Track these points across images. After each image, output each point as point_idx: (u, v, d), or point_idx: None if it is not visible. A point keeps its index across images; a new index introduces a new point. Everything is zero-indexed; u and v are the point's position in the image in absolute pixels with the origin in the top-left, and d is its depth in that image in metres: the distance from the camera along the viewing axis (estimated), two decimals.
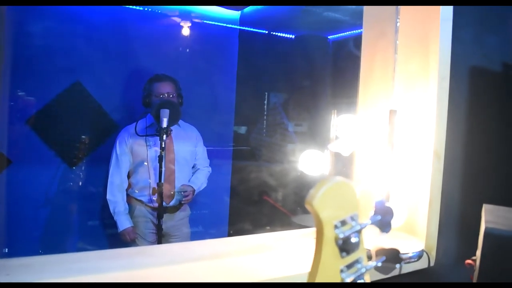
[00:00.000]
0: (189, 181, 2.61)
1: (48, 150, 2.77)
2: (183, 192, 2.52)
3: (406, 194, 1.20)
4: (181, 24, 3.28)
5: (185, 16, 3.25)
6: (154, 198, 2.38)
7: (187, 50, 3.31)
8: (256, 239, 1.20)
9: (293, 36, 3.82)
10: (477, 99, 1.37)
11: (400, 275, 1.15)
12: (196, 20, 3.30)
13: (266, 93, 3.82)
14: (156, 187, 2.30)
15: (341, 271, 0.54)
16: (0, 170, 2.12)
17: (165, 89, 2.45)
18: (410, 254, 1.04)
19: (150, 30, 3.10)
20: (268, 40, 3.76)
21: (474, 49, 1.37)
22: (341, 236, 0.53)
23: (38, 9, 2.60)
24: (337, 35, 3.71)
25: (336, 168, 1.27)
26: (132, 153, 2.47)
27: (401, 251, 1.05)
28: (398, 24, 1.25)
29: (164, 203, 2.39)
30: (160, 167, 2.23)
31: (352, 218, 0.55)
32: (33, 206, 2.74)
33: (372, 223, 0.55)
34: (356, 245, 0.54)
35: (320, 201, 0.52)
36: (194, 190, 2.58)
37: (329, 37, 3.77)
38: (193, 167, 2.67)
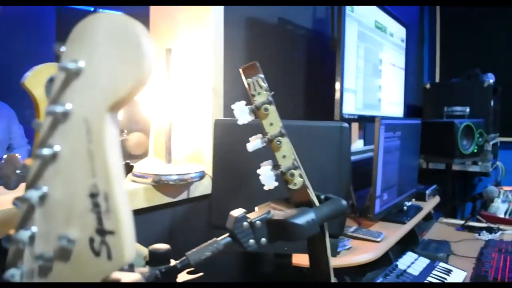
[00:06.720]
0: None
1: None
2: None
3: (190, 127, 1.33)
4: None
5: None
6: None
7: None
8: None
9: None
10: (255, 44, 1.59)
11: (188, 199, 1.28)
12: None
13: None
14: None
15: None
16: None
17: None
18: (193, 175, 1.16)
19: None
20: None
21: (251, 4, 1.57)
22: None
23: None
24: None
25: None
26: None
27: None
28: None
29: None
30: None
31: None
32: None
33: None
34: None
35: (31, 80, 0.58)
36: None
37: None
38: (8, 148, 2.50)
